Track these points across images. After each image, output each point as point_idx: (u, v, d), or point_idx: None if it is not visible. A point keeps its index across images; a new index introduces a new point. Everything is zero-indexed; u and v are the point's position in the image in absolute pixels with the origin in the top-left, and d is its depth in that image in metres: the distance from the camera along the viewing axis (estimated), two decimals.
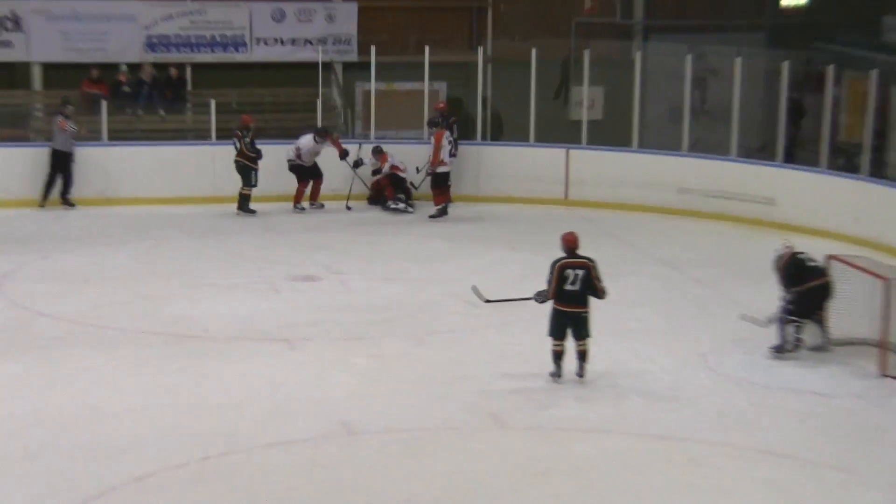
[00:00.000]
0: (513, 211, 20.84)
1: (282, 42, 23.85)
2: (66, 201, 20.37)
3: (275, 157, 20.24)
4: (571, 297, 12.20)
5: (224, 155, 20.38)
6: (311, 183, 20.60)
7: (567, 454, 10.79)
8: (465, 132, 21.74)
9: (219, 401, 11.90)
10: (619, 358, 13.06)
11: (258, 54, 23.81)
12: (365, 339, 13.86)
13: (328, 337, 13.96)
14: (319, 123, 21.46)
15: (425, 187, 20.61)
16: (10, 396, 11.94)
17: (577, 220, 18.09)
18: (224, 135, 20.83)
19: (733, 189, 19.97)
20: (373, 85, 21.85)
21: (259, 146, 20.17)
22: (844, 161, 20.60)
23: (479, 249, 18.15)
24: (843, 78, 20.99)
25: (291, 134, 20.86)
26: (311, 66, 22.75)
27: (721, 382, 12.62)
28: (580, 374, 12.34)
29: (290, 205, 20.55)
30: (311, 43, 23.68)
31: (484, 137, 22.24)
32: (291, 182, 20.53)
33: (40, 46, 23.01)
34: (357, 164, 20.69)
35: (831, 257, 13.66)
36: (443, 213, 20.19)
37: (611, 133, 21.67)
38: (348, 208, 20.74)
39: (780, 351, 13.19)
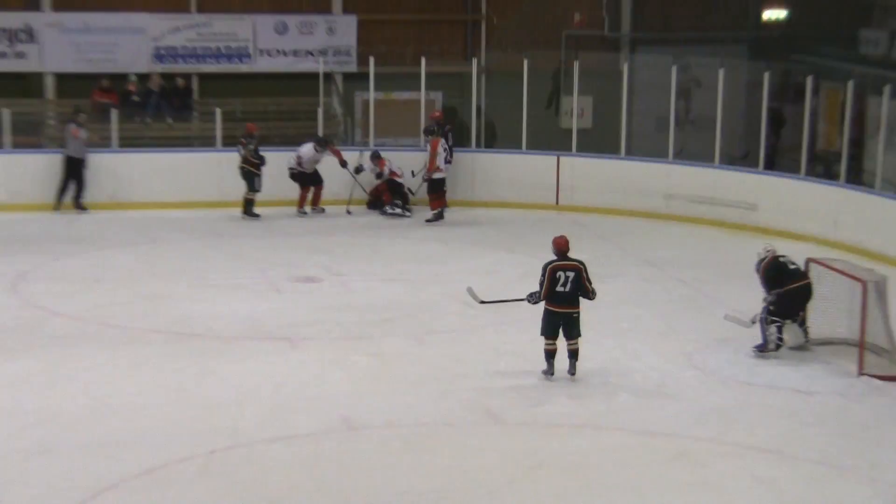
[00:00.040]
0: (506, 215, 20.81)
1: (284, 53, 23.84)
2: (78, 205, 20.33)
3: (278, 164, 20.22)
4: (563, 298, 12.17)
5: (229, 161, 20.37)
6: (312, 189, 20.57)
7: (560, 448, 10.76)
8: (460, 140, 21.74)
9: (223, 397, 11.85)
10: (608, 356, 13.05)
11: (262, 65, 23.80)
12: (365, 338, 13.83)
13: (329, 336, 13.91)
14: (321, 131, 21.45)
15: (422, 192, 20.59)
16: (22, 392, 11.90)
17: (567, 224, 18.06)
18: (229, 142, 20.83)
19: (717, 195, 19.98)
20: (371, 94, 21.83)
21: (262, 153, 20.19)
22: (823, 168, 20.65)
23: (475, 252, 18.14)
24: (821, 89, 21.02)
25: (294, 141, 20.85)
26: (313, 77, 22.71)
27: (707, 380, 12.60)
28: (572, 371, 12.31)
29: (292, 209, 20.52)
30: (312, 54, 23.67)
31: (478, 145, 22.23)
32: (293, 187, 20.52)
33: (53, 57, 22.99)
34: (358, 169, 20.68)
35: (811, 260, 13.66)
36: (439, 217, 20.18)
37: (600, 141, 21.68)
38: (348, 212, 20.72)
39: (762, 350, 13.17)
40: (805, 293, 13.24)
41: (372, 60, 21.62)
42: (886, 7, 23.68)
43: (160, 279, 16.26)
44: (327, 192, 20.63)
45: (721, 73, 20.06)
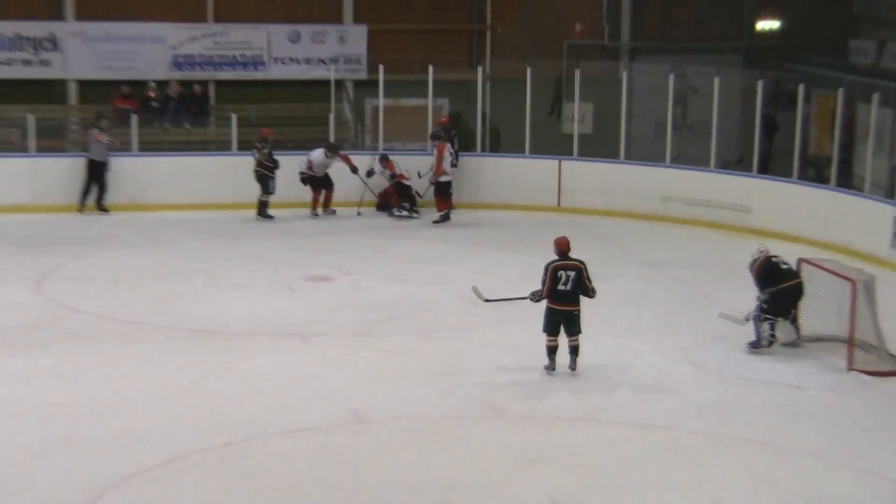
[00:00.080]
0: (510, 217, 20.79)
1: (297, 61, 23.84)
2: (100, 207, 20.33)
3: (291, 167, 20.22)
4: (564, 296, 12.16)
5: (244, 165, 20.36)
6: (323, 191, 20.56)
7: (561, 441, 10.75)
8: (465, 144, 21.72)
9: (238, 391, 11.86)
10: (608, 353, 13.03)
11: (276, 72, 23.81)
12: (373, 335, 13.81)
13: (340, 333, 13.90)
14: (332, 136, 21.45)
15: (429, 195, 20.58)
16: (46, 386, 11.90)
17: (568, 226, 18.01)
18: (244, 146, 20.82)
19: (713, 198, 19.95)
20: (381, 101, 21.81)
21: (276, 157, 20.18)
22: (814, 172, 20.62)
23: (479, 252, 18.12)
24: (812, 96, 20.99)
25: (306, 146, 20.85)
26: (325, 84, 22.71)
27: (702, 375, 12.58)
28: (572, 367, 12.30)
29: (305, 211, 20.50)
30: (324, 62, 23.68)
31: (483, 149, 22.24)
32: (306, 190, 20.50)
33: (76, 65, 23.01)
34: (370, 173, 20.67)
35: (803, 260, 13.65)
36: (445, 218, 20.17)
37: (600, 146, 21.64)
38: (359, 214, 20.71)
39: (756, 346, 13.15)
40: (797, 292, 13.23)
41: (381, 68, 21.62)
42: (875, 19, 23.66)
43: (178, 278, 16.25)
44: (338, 194, 20.61)
45: (717, 80, 20.03)
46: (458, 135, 21.34)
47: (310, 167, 20.34)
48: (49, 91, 23.13)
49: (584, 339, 12.34)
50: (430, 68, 21.40)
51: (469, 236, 19.34)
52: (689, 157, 21.02)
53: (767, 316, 13.10)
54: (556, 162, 21.29)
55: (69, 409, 11.23)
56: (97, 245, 18.20)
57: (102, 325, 14.02)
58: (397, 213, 20.55)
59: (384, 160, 20.72)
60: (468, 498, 9.53)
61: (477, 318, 14.09)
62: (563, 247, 12.32)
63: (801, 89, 19.39)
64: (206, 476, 9.88)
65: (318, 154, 20.38)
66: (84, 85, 23.21)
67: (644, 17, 24.93)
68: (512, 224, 20.28)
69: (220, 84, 23.70)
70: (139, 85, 22.91)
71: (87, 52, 22.98)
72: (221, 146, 21.83)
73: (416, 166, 20.70)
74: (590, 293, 12.25)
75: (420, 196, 20.78)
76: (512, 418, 11.34)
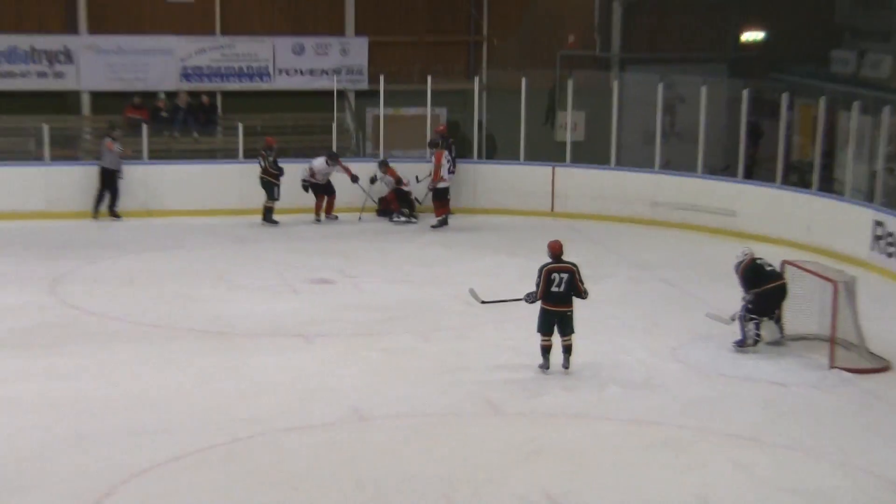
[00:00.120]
0: (506, 221, 20.77)
1: (301, 72, 23.83)
2: (113, 213, 20.32)
3: (295, 175, 20.21)
4: (557, 297, 12.18)
5: (250, 172, 20.34)
6: (325, 198, 20.56)
7: (556, 436, 10.77)
8: (462, 152, 21.70)
9: (245, 389, 11.86)
10: (600, 351, 13.03)
11: (280, 83, 23.79)
12: (375, 335, 13.82)
13: (342, 333, 13.91)
14: (334, 145, 21.45)
15: (428, 201, 20.57)
16: (60, 385, 11.91)
17: (562, 230, 18.00)
18: (250, 154, 20.80)
19: (700, 202, 19.92)
20: (381, 110, 21.81)
21: (281, 164, 20.17)
22: (797, 178, 20.62)
23: (476, 255, 18.11)
24: (795, 104, 21.00)
25: (310, 154, 20.83)
26: (327, 94, 22.71)
27: (690, 373, 12.59)
28: (566, 365, 12.32)
29: (309, 216, 20.48)
30: (327, 73, 23.66)
31: (480, 156, 22.19)
32: (309, 196, 20.48)
33: (89, 77, 22.99)
34: (373, 180, 20.67)
35: (786, 262, 13.65)
36: (443, 223, 20.16)
37: (592, 153, 21.64)
38: (360, 219, 20.69)
39: (741, 345, 13.16)
40: (780, 293, 13.24)
41: (382, 79, 21.62)
42: (855, 30, 23.68)
43: (187, 281, 16.25)
44: (340, 201, 20.61)
45: (703, 90, 20.02)
46: (455, 142, 21.30)
47: (312, 174, 20.35)
48: (63, 102, 23.11)
49: (576, 339, 12.36)
50: (429, 79, 21.40)
51: (467, 240, 19.34)
52: (677, 163, 21.02)
53: (752, 316, 13.11)
54: (550, 168, 21.27)
55: (82, 407, 11.24)
56: (109, 249, 18.19)
57: (114, 327, 14.02)
58: (396, 219, 20.56)
59: (384, 166, 20.73)
60: (467, 491, 9.54)
61: (474, 318, 14.09)
62: (556, 250, 12.33)
63: (784, 98, 19.41)
64: (213, 472, 9.89)
65: (319, 162, 20.39)
66: (97, 96, 23.18)
67: (634, 30, 24.94)
68: (508, 228, 20.28)
69: (227, 94, 23.68)
70: (149, 96, 22.91)
71: (99, 64, 22.97)
72: (228, 154, 21.82)
73: (414, 172, 20.70)
74: (582, 294, 12.27)
75: (419, 202, 20.78)
76: (509, 415, 11.35)
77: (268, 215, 20.17)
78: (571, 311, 12.26)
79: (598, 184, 20.93)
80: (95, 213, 20.22)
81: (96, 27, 23.05)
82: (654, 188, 20.49)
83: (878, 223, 17.10)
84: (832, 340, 12.69)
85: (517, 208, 21.14)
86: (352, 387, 11.95)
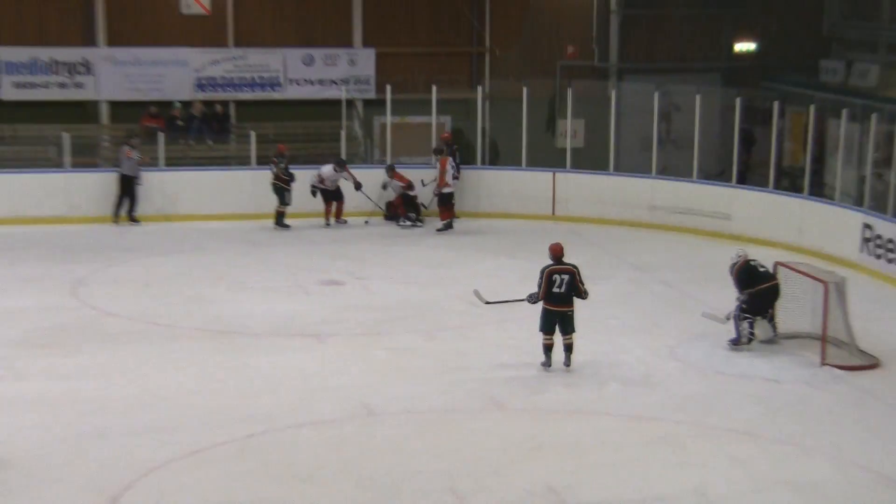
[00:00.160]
0: (508, 225, 20.75)
1: (311, 82, 23.82)
2: (131, 218, 20.32)
3: (306, 180, 20.19)
4: (558, 298, 12.16)
5: (262, 178, 20.34)
6: (334, 203, 20.54)
7: (557, 432, 10.75)
8: (466, 158, 21.68)
9: (258, 387, 11.85)
10: (599, 350, 13.01)
11: (291, 93, 23.78)
12: (383, 334, 13.80)
13: (351, 333, 13.89)
14: (343, 152, 21.44)
15: (433, 205, 20.57)
16: (80, 383, 11.91)
17: (562, 233, 18.01)
18: (263, 161, 20.80)
19: (695, 206, 19.91)
20: (388, 118, 21.81)
21: (292, 170, 20.17)
22: (789, 182, 20.58)
23: (480, 258, 18.10)
24: (786, 112, 20.97)
25: (320, 160, 20.82)
26: (336, 103, 22.72)
27: (687, 370, 12.57)
28: (567, 363, 12.30)
29: (319, 220, 20.46)
30: (335, 83, 23.64)
31: (483, 162, 22.21)
32: (319, 201, 20.45)
33: (107, 87, 23.00)
34: (385, 186, 20.67)
35: (779, 264, 13.63)
36: (448, 227, 20.15)
37: (591, 159, 21.61)
38: (366, 222, 20.66)
39: (736, 343, 13.14)
40: (774, 293, 13.22)
41: (388, 88, 21.62)
42: (843, 40, 23.65)
43: (202, 283, 16.25)
44: (349, 206, 20.59)
45: (698, 98, 20.00)
46: (459, 149, 21.32)
47: (321, 181, 20.34)
48: (83, 111, 23.12)
49: (577, 338, 12.34)
50: (434, 88, 21.39)
51: (471, 243, 19.32)
52: (673, 168, 21.01)
53: (747, 315, 13.09)
54: (551, 174, 21.25)
55: (103, 404, 11.24)
56: (127, 253, 18.18)
57: (133, 327, 14.01)
58: (403, 223, 20.54)
59: (391, 170, 20.72)
60: (471, 484, 9.52)
61: (478, 318, 14.08)
62: (557, 252, 12.32)
63: (775, 106, 19.37)
64: (227, 466, 9.88)
65: (328, 169, 20.38)
66: (115, 105, 23.19)
67: (631, 40, 24.91)
68: (510, 231, 20.25)
69: (239, 104, 23.69)
70: (165, 105, 22.89)
71: (117, 75, 22.98)
72: (241, 161, 21.81)
73: (419, 178, 20.69)
74: (582, 295, 12.25)
75: (425, 207, 20.78)
76: (511, 411, 11.33)
77: (280, 219, 20.16)
78: (572, 311, 12.24)
79: (598, 189, 20.91)
80: (116, 218, 20.23)
81: (114, 40, 23.07)
82: (651, 193, 20.46)
83: (867, 226, 17.07)
84: (823, 339, 12.66)
85: (519, 212, 21.11)
86: (361, 384, 11.93)
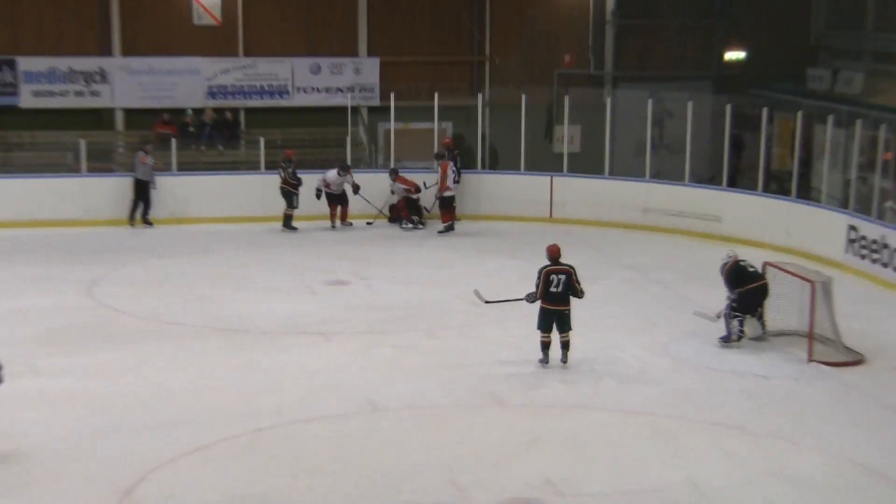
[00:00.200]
0: (507, 227, 20.71)
1: (318, 90, 23.82)
2: (146, 221, 20.31)
3: (313, 184, 20.16)
4: (556, 297, 12.13)
5: (271, 182, 20.33)
6: (339, 207, 20.51)
7: (554, 426, 10.72)
8: (467, 163, 21.67)
9: (266, 384, 11.83)
10: (595, 347, 12.97)
11: (299, 100, 23.78)
12: (386, 332, 13.77)
13: (356, 331, 13.86)
14: (349, 157, 21.41)
15: (435, 208, 20.54)
16: (95, 380, 11.89)
17: (559, 235, 17.95)
18: (271, 166, 20.81)
19: (687, 209, 19.88)
20: (392, 125, 21.78)
21: (299, 175, 20.16)
22: (777, 186, 20.54)
23: (481, 258, 18.07)
24: (775, 118, 20.92)
25: (326, 165, 20.77)
26: (342, 110, 22.72)
27: (679, 367, 12.54)
28: (564, 360, 12.28)
29: (325, 223, 20.42)
30: (341, 91, 23.65)
31: (483, 167, 22.21)
32: (326, 205, 20.41)
33: (122, 95, 23.01)
34: (393, 192, 20.64)
35: (767, 264, 13.61)
36: (449, 229, 20.13)
37: (587, 163, 21.59)
38: (368, 224, 20.63)
39: (727, 341, 13.11)
40: (762, 292, 13.20)
41: (392, 96, 21.60)
42: (829, 49, 23.62)
43: (213, 283, 16.22)
44: (354, 209, 20.55)
45: (690, 105, 19.97)
46: (460, 154, 21.29)
47: (327, 185, 20.30)
48: (99, 119, 23.12)
49: (573, 336, 12.31)
50: (436, 95, 21.37)
51: (471, 244, 19.29)
52: (666, 172, 20.95)
53: (737, 313, 13.06)
54: (549, 178, 21.22)
55: (116, 400, 11.22)
56: (142, 254, 18.16)
57: (147, 326, 14.00)
58: (405, 226, 20.51)
59: (394, 174, 20.68)
60: (472, 477, 9.50)
61: (479, 317, 14.05)
62: (554, 253, 12.29)
63: (764, 112, 19.34)
64: (237, 460, 9.86)
65: (332, 174, 20.34)
66: (129, 113, 23.20)
67: (625, 49, 24.88)
68: (509, 233, 20.22)
69: (249, 111, 23.69)
70: (178, 112, 22.89)
71: (132, 83, 22.99)
72: (251, 166, 21.80)
73: (422, 181, 20.66)
74: (579, 294, 12.23)
75: (427, 210, 20.75)
76: (511, 406, 11.31)
77: (287, 222, 20.14)
78: (569, 310, 12.21)
79: (594, 192, 20.88)
80: (132, 221, 20.23)
81: (129, 50, 23.07)
82: (645, 196, 20.43)
83: (852, 227, 17.04)
84: (810, 336, 12.64)
85: (518, 215, 21.08)
86: (365, 380, 11.91)
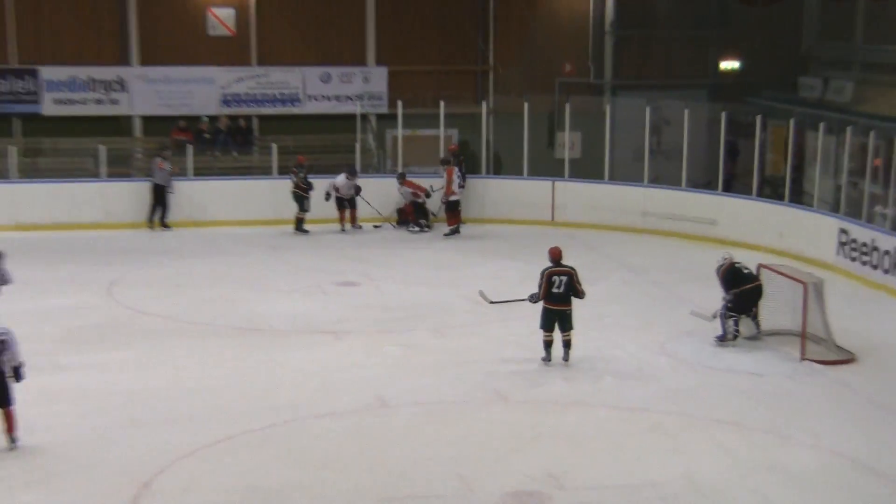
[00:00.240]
0: (511, 230, 20.71)
1: (328, 98, 23.82)
2: (164, 224, 20.35)
3: (323, 189, 20.18)
4: (558, 297, 12.15)
5: (283, 187, 20.35)
6: (348, 210, 20.52)
7: (556, 422, 10.73)
8: (472, 168, 21.68)
9: (280, 380, 11.86)
10: (595, 346, 12.99)
11: (310, 108, 23.78)
12: (395, 331, 13.79)
13: (366, 330, 13.88)
14: (358, 163, 21.44)
15: (441, 212, 20.54)
16: (117, 377, 11.94)
17: (561, 237, 17.94)
18: (283, 171, 20.81)
19: (684, 212, 19.87)
20: (399, 131, 21.81)
21: (311, 180, 20.18)
22: (770, 190, 20.54)
23: (485, 260, 18.07)
24: (768, 125, 20.92)
25: (336, 170, 20.80)
26: (351, 117, 22.74)
27: (676, 365, 12.54)
28: (565, 358, 12.30)
29: (336, 226, 20.44)
30: (351, 99, 23.66)
31: (487, 172, 22.18)
32: (335, 209, 20.44)
33: (140, 103, 23.03)
34: (402, 196, 20.66)
35: (762, 266, 13.61)
36: (455, 232, 20.13)
37: (587, 168, 21.57)
38: (375, 227, 20.64)
39: (722, 340, 13.12)
40: (757, 293, 13.21)
41: (400, 104, 21.62)
42: (820, 59, 23.60)
43: (228, 284, 16.25)
44: (363, 212, 20.55)
45: (686, 112, 19.97)
46: (465, 160, 21.30)
47: (337, 190, 20.32)
48: (117, 125, 23.15)
49: (575, 335, 12.33)
50: (442, 104, 21.39)
51: (476, 247, 19.30)
52: (663, 177, 20.96)
53: (732, 313, 13.07)
54: (550, 182, 21.23)
55: (136, 396, 11.26)
56: (160, 257, 18.19)
57: (164, 325, 14.03)
58: (412, 229, 20.53)
59: (401, 178, 20.70)
60: (477, 470, 9.53)
61: (483, 316, 14.07)
62: (556, 255, 12.31)
63: (758, 120, 19.35)
64: (251, 454, 9.89)
65: (341, 178, 20.36)
66: (147, 120, 23.22)
67: (624, 59, 24.86)
68: (512, 236, 20.23)
69: (262, 118, 23.70)
70: (194, 119, 22.91)
71: (149, 92, 23.02)
72: (264, 171, 21.81)
73: (428, 185, 20.68)
74: (580, 295, 12.25)
75: (434, 214, 20.77)
76: (514, 402, 11.32)
77: (299, 225, 20.17)
78: (570, 310, 12.23)
79: (594, 196, 20.88)
80: (151, 225, 20.29)
81: (147, 59, 23.10)
82: (643, 200, 20.44)
83: (843, 231, 17.04)
84: (803, 335, 12.65)
85: (521, 218, 21.09)
86: (375, 377, 11.94)
